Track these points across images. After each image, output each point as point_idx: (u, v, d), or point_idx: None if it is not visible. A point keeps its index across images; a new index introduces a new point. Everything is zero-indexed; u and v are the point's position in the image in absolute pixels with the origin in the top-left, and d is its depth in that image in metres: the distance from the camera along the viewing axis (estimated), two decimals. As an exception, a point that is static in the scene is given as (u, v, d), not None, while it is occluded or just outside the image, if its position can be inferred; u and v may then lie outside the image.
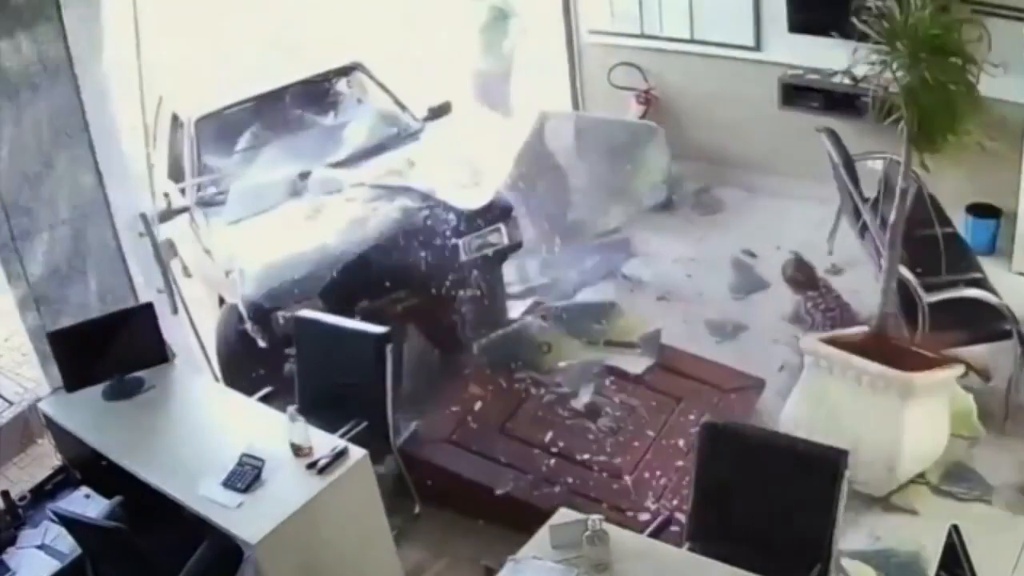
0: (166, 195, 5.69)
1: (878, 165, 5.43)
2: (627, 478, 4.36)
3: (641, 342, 5.02)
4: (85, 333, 4.28)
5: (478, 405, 4.81)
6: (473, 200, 5.32)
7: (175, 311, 5.26)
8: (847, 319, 5.13)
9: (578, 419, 4.69)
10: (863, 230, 5.00)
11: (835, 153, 5.18)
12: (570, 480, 4.36)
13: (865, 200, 4.91)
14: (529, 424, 4.68)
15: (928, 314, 4.32)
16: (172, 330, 4.92)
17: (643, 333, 5.07)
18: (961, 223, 5.36)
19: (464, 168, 5.54)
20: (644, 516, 4.02)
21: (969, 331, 4.33)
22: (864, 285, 5.23)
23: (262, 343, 4.98)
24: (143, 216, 5.14)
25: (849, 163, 5.13)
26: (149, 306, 4.54)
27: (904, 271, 4.37)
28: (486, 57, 7.62)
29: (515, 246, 5.48)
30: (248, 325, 4.99)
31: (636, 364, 4.92)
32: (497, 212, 5.39)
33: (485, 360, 4.38)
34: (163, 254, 5.19)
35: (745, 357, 5.18)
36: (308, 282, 4.99)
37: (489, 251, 5.36)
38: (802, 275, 5.28)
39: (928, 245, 4.54)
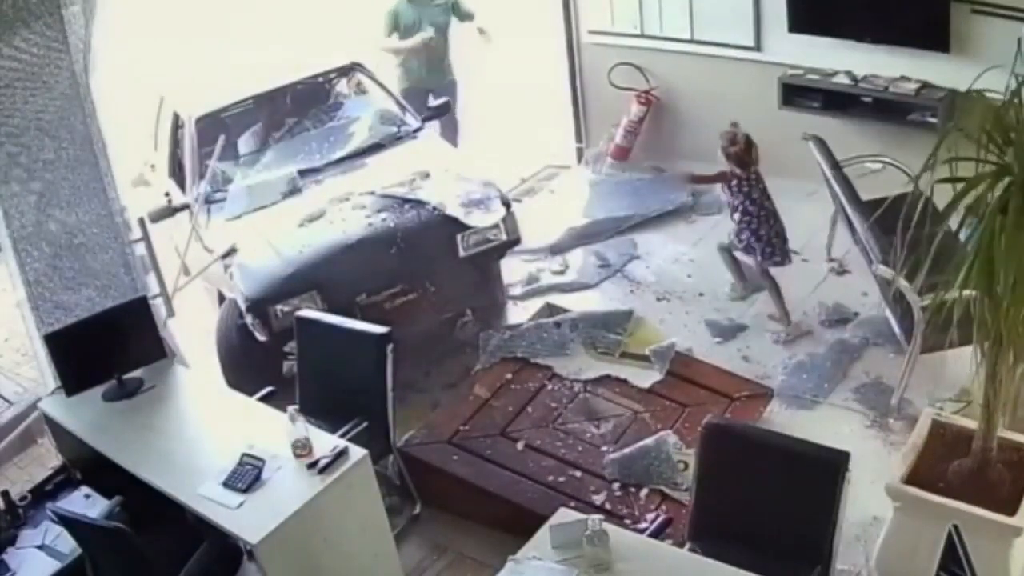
0: (167, 194, 5.71)
1: (877, 165, 5.45)
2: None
3: (653, 356, 4.98)
4: (81, 333, 4.26)
5: (481, 407, 4.80)
6: (484, 219, 5.31)
7: (172, 314, 5.28)
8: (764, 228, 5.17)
9: (581, 424, 4.68)
10: (855, 235, 4.99)
11: (824, 160, 5.17)
12: (570, 486, 4.34)
13: (858, 205, 4.88)
14: (531, 428, 4.67)
15: (922, 316, 4.31)
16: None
17: (655, 347, 5.02)
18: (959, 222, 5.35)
19: (477, 183, 5.49)
20: (643, 526, 3.97)
21: (966, 331, 4.32)
22: (869, 287, 5.24)
23: (261, 337, 4.99)
24: (140, 220, 5.16)
25: (836, 168, 5.11)
26: (143, 300, 4.53)
27: (896, 275, 4.34)
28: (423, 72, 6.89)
29: (513, 241, 5.48)
30: (247, 319, 5.00)
31: (645, 378, 4.89)
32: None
33: (617, 474, 4.37)
34: (156, 259, 5.22)
35: (745, 357, 5.20)
36: (306, 276, 5.00)
37: (487, 247, 5.36)
38: (746, 154, 5.09)
39: (923, 245, 4.50)
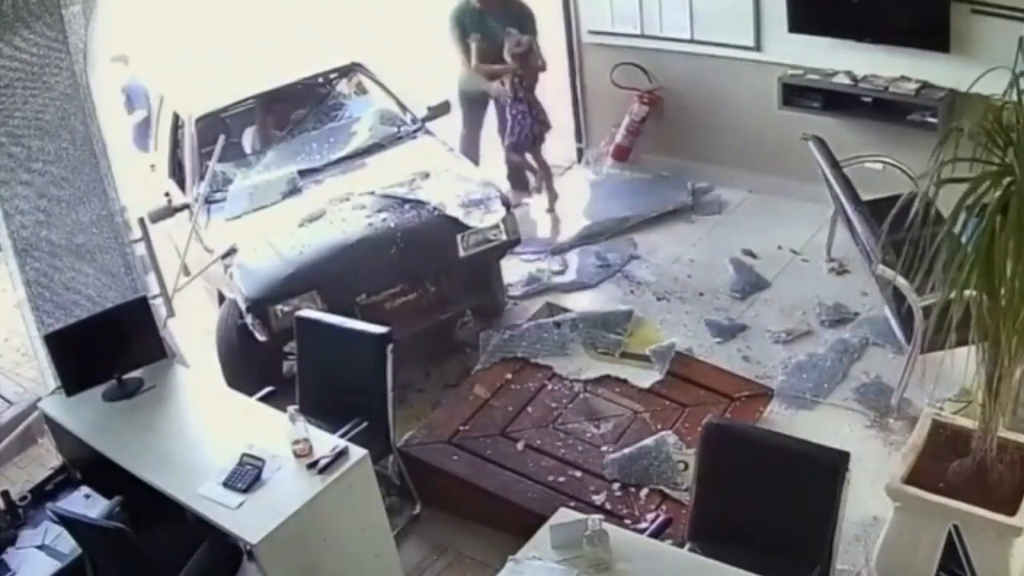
0: (167, 194, 5.71)
1: (877, 166, 5.45)
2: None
3: (653, 356, 4.98)
4: (81, 333, 4.25)
5: (481, 407, 4.80)
6: (484, 219, 5.30)
7: (172, 314, 5.28)
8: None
9: (581, 424, 4.68)
10: (855, 235, 4.99)
11: (823, 160, 5.17)
12: (570, 486, 4.34)
13: (858, 205, 4.88)
14: (531, 428, 4.67)
15: (922, 316, 4.30)
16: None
17: (655, 347, 5.02)
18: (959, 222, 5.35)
19: (477, 184, 5.49)
20: (643, 526, 3.97)
21: (965, 331, 4.31)
22: (869, 287, 5.24)
23: (261, 337, 4.99)
24: (140, 220, 5.16)
25: (836, 168, 5.11)
26: (143, 300, 4.53)
27: (896, 275, 4.35)
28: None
29: (513, 242, 5.48)
30: (247, 319, 5.00)
31: (645, 378, 4.89)
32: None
33: (617, 474, 4.39)
34: (156, 259, 5.21)
35: (745, 357, 5.20)
36: (306, 276, 5.00)
37: (487, 247, 5.36)
38: (527, 55, 6.29)
39: (922, 245, 4.49)
